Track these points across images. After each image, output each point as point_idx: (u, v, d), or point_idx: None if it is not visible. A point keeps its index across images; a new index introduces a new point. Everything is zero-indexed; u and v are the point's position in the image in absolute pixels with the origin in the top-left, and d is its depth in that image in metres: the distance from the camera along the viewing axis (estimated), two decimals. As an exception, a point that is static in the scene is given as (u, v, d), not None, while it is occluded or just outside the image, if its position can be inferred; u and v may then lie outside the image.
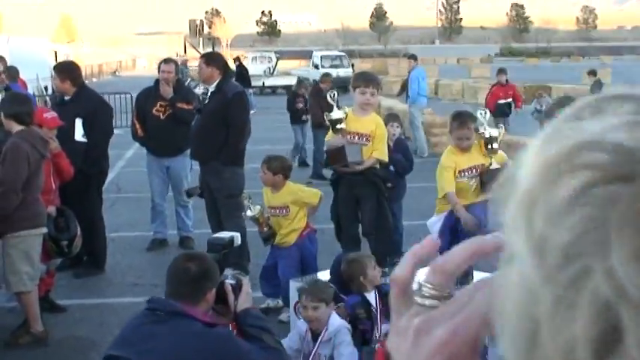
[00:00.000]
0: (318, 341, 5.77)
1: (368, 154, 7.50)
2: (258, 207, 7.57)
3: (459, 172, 7.15)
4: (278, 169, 7.63)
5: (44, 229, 7.01)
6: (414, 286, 0.82)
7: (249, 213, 7.51)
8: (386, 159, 7.68)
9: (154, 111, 9.91)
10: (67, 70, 9.11)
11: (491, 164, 7.02)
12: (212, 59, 8.99)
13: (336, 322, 5.83)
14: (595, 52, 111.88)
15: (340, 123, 7.54)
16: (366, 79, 7.64)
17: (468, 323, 0.75)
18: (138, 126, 10.13)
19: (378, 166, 7.62)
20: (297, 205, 7.60)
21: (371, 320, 6.25)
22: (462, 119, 7.13)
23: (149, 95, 10.15)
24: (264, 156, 7.79)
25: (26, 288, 6.89)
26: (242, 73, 31.40)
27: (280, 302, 7.70)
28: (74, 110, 8.70)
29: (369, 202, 7.46)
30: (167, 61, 10.39)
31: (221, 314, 3.76)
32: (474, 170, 7.09)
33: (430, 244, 0.86)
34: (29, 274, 6.85)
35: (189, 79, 36.18)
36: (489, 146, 6.97)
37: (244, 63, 36.08)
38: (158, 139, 9.88)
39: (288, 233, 7.61)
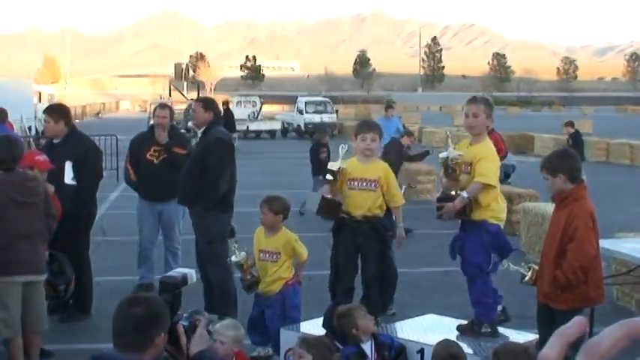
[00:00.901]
0: None
1: (378, 202, 7.33)
2: (244, 253, 7.45)
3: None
4: (280, 209, 7.55)
5: (18, 278, 6.73)
6: None
7: (234, 258, 7.40)
8: (403, 202, 7.67)
9: (147, 156, 9.86)
10: (60, 111, 9.08)
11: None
12: (209, 104, 8.94)
13: None
14: (576, 101, 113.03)
15: (335, 176, 7.41)
16: (368, 126, 7.65)
17: None
18: (131, 170, 10.06)
19: (382, 215, 7.48)
20: (287, 253, 7.50)
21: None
22: (473, 97, 7.04)
23: (143, 140, 10.09)
24: (264, 197, 7.69)
25: (1, 335, 6.76)
26: (228, 117, 31.46)
27: (270, 350, 7.60)
28: (64, 153, 8.63)
29: (373, 253, 7.33)
30: (162, 106, 10.37)
31: (174, 357, 3.62)
32: (464, 166, 6.76)
33: (578, 324, 0.83)
34: (4, 320, 6.67)
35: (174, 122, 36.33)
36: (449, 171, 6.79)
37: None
38: (151, 183, 9.83)
39: (273, 281, 7.49)
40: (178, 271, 3.84)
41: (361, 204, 7.29)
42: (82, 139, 9.04)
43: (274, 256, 7.48)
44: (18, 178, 6.88)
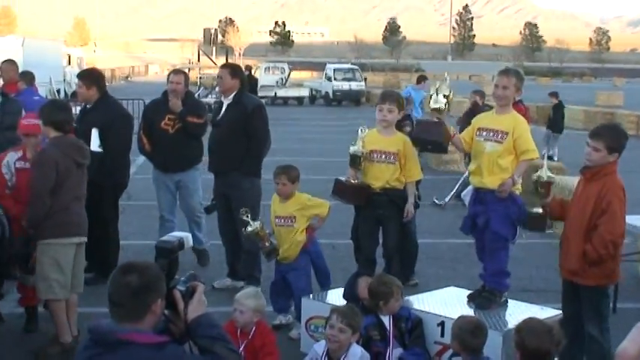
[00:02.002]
0: None
1: (396, 174, 7.21)
2: (258, 222, 7.44)
3: (478, 129, 6.89)
4: (296, 177, 7.59)
5: (75, 239, 6.90)
6: None
7: (249, 228, 7.37)
8: (421, 177, 7.48)
9: (162, 124, 9.42)
10: (93, 77, 9.03)
11: None
12: (236, 71, 8.97)
13: (358, 352, 5.76)
14: (608, 73, 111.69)
15: (359, 161, 7.32)
16: (383, 96, 7.43)
17: None
18: (145, 140, 9.59)
19: (402, 187, 7.32)
20: (305, 215, 7.52)
21: (385, 342, 6.18)
22: (505, 69, 6.99)
23: (157, 108, 9.62)
24: (278, 167, 7.66)
25: (55, 296, 6.84)
26: (251, 83, 31.36)
27: (291, 318, 7.63)
28: (92, 119, 8.62)
29: (393, 224, 7.25)
30: (176, 71, 9.89)
31: (172, 322, 3.58)
32: (492, 133, 6.76)
33: None
34: (59, 281, 6.79)
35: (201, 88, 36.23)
36: None
37: (256, 73, 36.15)
38: (167, 153, 9.45)
39: (290, 247, 7.52)
40: (174, 235, 3.73)
41: (379, 176, 7.18)
42: (110, 107, 8.93)
43: (289, 221, 7.50)
44: (75, 140, 7.05)
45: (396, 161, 7.18)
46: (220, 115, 8.84)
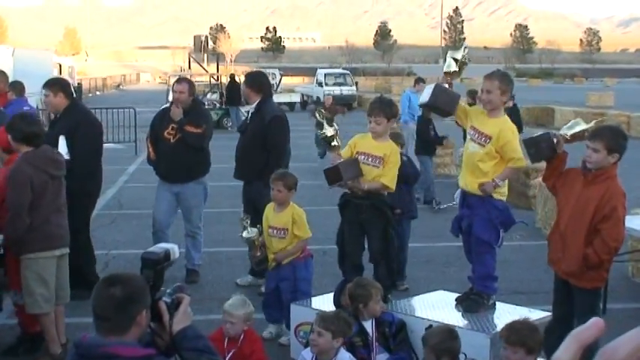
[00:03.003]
0: None
1: (376, 178, 7.27)
2: (256, 230, 7.42)
3: (471, 127, 6.83)
4: (293, 184, 7.54)
5: (57, 252, 6.88)
6: None
7: (245, 234, 7.36)
8: (392, 187, 7.35)
9: (165, 134, 9.36)
10: (58, 84, 8.81)
11: None
12: (254, 79, 9.32)
13: (345, 358, 5.77)
14: (599, 73, 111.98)
15: (333, 140, 7.43)
16: (370, 108, 7.44)
17: None
18: (151, 149, 9.57)
19: (385, 193, 7.40)
20: (294, 229, 7.44)
21: (368, 348, 6.19)
22: (490, 72, 6.89)
23: (163, 117, 9.54)
24: (275, 174, 7.65)
25: (41, 310, 6.83)
26: (234, 89, 31.28)
27: (284, 327, 7.57)
28: (60, 126, 8.40)
29: (376, 230, 7.28)
30: (179, 80, 9.71)
31: (158, 334, 3.58)
32: (477, 135, 6.72)
33: (596, 327, 0.80)
34: (44, 295, 6.78)
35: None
36: None
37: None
38: (167, 163, 9.34)
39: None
40: (161, 247, 3.71)
41: (366, 177, 7.25)
42: (76, 113, 8.60)
43: (281, 232, 7.44)
44: (49, 152, 6.97)
45: (381, 165, 7.22)
46: (246, 124, 9.15)
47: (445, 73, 7.06)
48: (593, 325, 0.80)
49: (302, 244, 7.52)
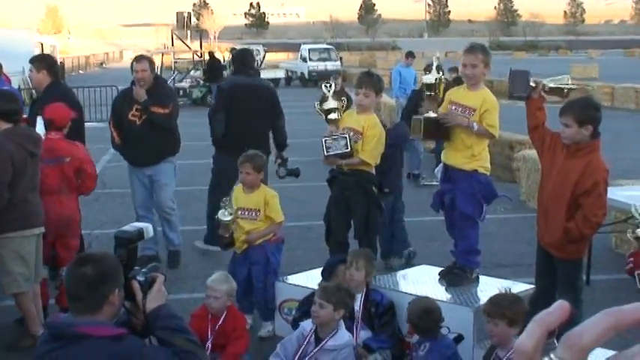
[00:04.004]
0: (320, 345, 5.72)
1: (356, 153, 7.21)
2: (232, 215, 7.16)
3: (450, 102, 6.80)
4: (261, 165, 7.41)
5: (36, 230, 6.80)
6: None
7: (221, 215, 7.13)
8: (371, 162, 7.24)
9: (130, 116, 8.96)
10: (42, 60, 8.69)
11: None
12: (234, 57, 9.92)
13: (345, 336, 5.79)
14: (583, 45, 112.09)
15: (334, 113, 7.35)
16: (359, 80, 7.43)
17: None
18: (115, 133, 9.16)
19: (374, 171, 7.33)
20: (266, 211, 7.24)
21: (352, 321, 6.20)
22: (470, 46, 6.84)
23: (125, 98, 9.14)
24: (243, 155, 7.50)
25: (20, 289, 6.78)
26: (214, 66, 31.11)
27: (271, 328, 7.27)
28: (39, 106, 8.16)
29: (359, 207, 7.23)
30: (139, 58, 9.22)
31: (133, 314, 3.53)
32: (461, 109, 6.70)
33: (561, 310, 0.78)
34: (23, 274, 6.72)
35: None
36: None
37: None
38: (136, 147, 8.96)
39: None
40: (133, 226, 3.69)
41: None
42: (57, 94, 8.21)
43: (253, 214, 7.22)
44: (27, 130, 6.93)
45: (359, 140, 7.17)
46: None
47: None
48: (558, 308, 0.78)
49: (275, 228, 7.33)
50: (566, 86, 6.39)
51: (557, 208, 6.04)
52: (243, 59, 10.04)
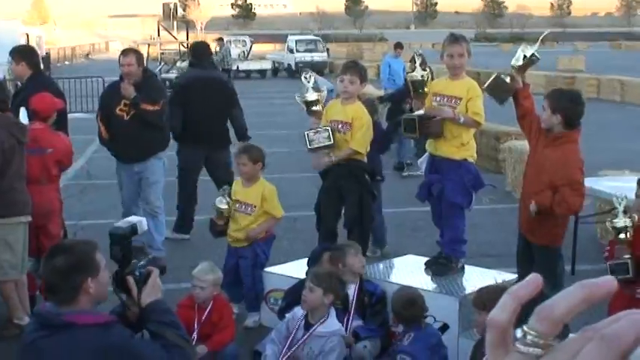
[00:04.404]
0: (310, 332, 5.74)
1: (347, 144, 7.17)
2: (229, 205, 7.22)
3: (433, 94, 6.79)
4: (259, 156, 7.34)
5: (23, 218, 6.78)
6: (518, 334, 0.76)
7: (218, 203, 7.20)
8: (362, 150, 7.18)
9: (117, 111, 8.67)
10: (21, 52, 8.60)
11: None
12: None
13: (335, 325, 5.81)
14: (570, 37, 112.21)
15: (315, 105, 7.35)
16: (345, 67, 7.42)
17: None
18: (102, 128, 8.87)
19: (365, 159, 7.30)
20: (263, 208, 7.25)
21: (346, 313, 6.22)
22: (454, 37, 6.84)
23: (113, 92, 8.86)
24: (239, 147, 7.54)
25: (7, 277, 6.77)
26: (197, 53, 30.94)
27: (259, 318, 7.33)
28: (22, 98, 8.02)
29: (352, 197, 7.19)
30: (125, 52, 8.93)
31: (128, 306, 3.54)
32: (446, 99, 6.70)
33: (533, 283, 0.79)
34: (10, 262, 6.72)
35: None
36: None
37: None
38: (124, 143, 8.69)
39: (239, 231, 7.28)
40: (127, 221, 3.70)
41: (341, 146, 7.16)
42: (39, 84, 8.12)
43: (248, 208, 7.24)
44: (13, 118, 6.93)
45: (349, 131, 7.14)
46: None
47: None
48: (531, 281, 0.79)
49: (274, 223, 7.40)
50: (530, 53, 6.42)
51: (531, 193, 6.19)
52: (198, 53, 10.28)
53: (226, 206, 7.20)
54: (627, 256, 5.37)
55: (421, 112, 6.77)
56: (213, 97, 9.69)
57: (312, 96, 7.31)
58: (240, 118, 10.11)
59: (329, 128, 7.08)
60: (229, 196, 7.29)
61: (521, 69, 6.43)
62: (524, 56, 6.52)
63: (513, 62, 6.50)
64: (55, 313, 3.37)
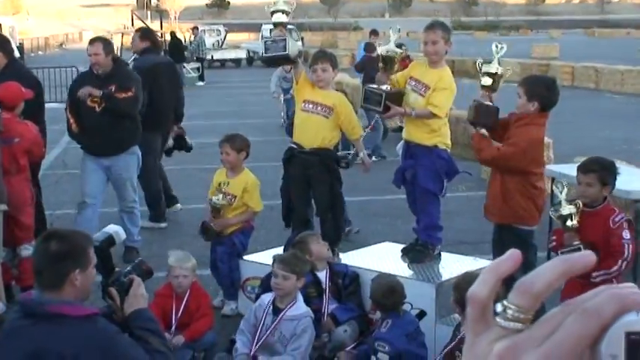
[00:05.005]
0: (280, 316, 5.74)
1: (333, 134, 7.18)
2: (225, 202, 7.18)
3: (410, 77, 6.78)
4: (242, 145, 7.31)
5: (1, 207, 6.73)
6: (498, 308, 0.77)
7: (214, 199, 7.14)
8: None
9: (88, 102, 8.31)
10: None
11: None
12: (145, 34, 10.53)
13: (303, 307, 5.81)
14: (544, 25, 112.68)
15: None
16: (315, 56, 7.38)
17: (559, 351, 0.70)
18: (72, 120, 8.53)
19: (332, 148, 7.34)
20: (243, 199, 7.26)
21: (321, 299, 6.24)
22: (430, 24, 6.84)
23: (83, 83, 8.53)
24: (223, 136, 7.51)
25: None
26: (175, 47, 30.87)
27: (218, 300, 7.38)
28: None
29: (323, 185, 7.18)
30: (92, 41, 8.63)
31: (114, 311, 3.57)
32: (419, 85, 6.67)
33: (512, 259, 0.79)
34: None
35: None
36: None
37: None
38: (95, 136, 8.38)
39: (223, 224, 7.29)
40: (105, 232, 3.75)
41: (315, 133, 7.11)
42: (14, 73, 7.94)
43: (229, 198, 7.22)
44: None
45: (330, 116, 7.11)
46: None
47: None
48: (510, 257, 0.80)
49: (251, 216, 7.40)
50: (497, 70, 6.31)
51: (495, 176, 6.31)
52: (154, 38, 10.63)
53: (224, 202, 7.15)
54: (577, 242, 5.36)
55: (387, 87, 6.72)
56: (172, 80, 10.27)
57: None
58: (183, 100, 10.68)
59: (286, 38, 6.98)
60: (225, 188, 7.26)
61: (493, 88, 6.34)
62: (489, 75, 6.31)
63: (483, 83, 6.34)
64: (39, 303, 3.36)
